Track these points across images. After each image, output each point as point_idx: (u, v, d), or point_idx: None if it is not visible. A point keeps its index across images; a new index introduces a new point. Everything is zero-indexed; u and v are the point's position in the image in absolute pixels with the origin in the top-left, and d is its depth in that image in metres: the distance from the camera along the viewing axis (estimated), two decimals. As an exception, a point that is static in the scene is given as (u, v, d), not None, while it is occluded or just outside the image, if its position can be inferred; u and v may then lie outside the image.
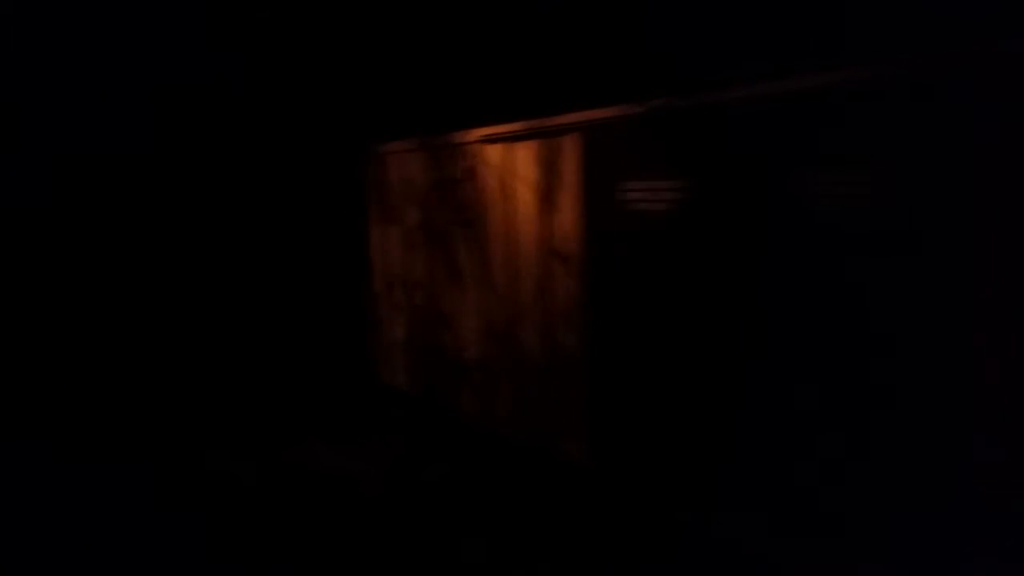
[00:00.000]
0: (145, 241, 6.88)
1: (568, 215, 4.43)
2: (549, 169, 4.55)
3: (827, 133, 3.06)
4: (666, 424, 3.91)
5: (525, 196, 4.76)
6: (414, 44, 6.99)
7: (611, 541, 4.11)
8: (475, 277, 5.33)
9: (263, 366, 7.22)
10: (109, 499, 4.86)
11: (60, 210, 6.58)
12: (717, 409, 3.62)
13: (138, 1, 6.56)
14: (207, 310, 7.14)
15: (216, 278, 7.17)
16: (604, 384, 4.31)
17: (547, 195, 4.58)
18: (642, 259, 3.98)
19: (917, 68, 2.72)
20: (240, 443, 5.91)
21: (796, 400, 3.23)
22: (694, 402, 3.74)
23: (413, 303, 6.20)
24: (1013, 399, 2.50)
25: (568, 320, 4.51)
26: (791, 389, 3.25)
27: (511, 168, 4.87)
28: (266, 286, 7.36)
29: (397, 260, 6.41)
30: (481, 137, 5.12)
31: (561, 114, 4.41)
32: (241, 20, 6.84)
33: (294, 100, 7.30)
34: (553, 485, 4.68)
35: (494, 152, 5.02)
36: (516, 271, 4.91)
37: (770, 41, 4.18)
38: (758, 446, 3.41)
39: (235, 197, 7.23)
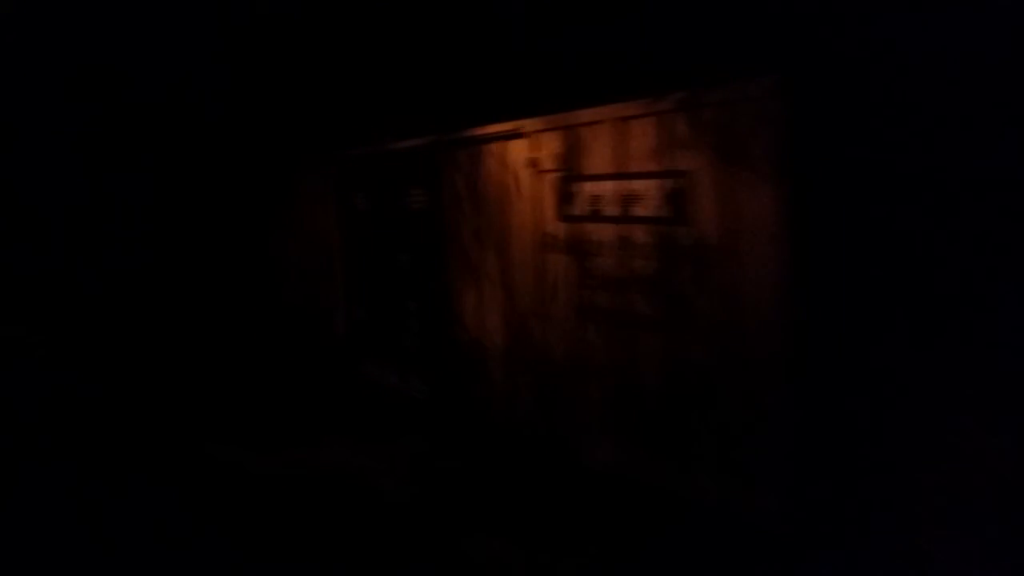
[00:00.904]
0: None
1: (332, 213, 7.54)
2: (325, 186, 7.66)
3: (414, 170, 6.16)
4: (375, 330, 7.02)
5: (320, 202, 7.87)
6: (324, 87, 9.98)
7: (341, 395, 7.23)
8: (304, 253, 8.44)
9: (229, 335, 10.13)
10: (138, 509, 4.92)
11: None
12: (400, 321, 6.71)
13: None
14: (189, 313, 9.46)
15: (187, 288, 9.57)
16: (351, 320, 7.42)
17: (322, 201, 7.70)
18: (360, 237, 7.09)
19: (434, 142, 5.80)
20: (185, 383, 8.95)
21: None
22: (388, 322, 6.84)
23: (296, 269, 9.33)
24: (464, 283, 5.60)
25: (336, 280, 7.62)
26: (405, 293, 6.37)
27: (315, 185, 7.99)
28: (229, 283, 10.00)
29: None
30: (303, 163, 8.24)
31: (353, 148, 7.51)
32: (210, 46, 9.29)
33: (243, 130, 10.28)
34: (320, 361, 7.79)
35: (308, 173, 8.14)
36: (318, 249, 8.02)
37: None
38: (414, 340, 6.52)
39: (214, 211, 9.87)
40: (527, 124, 4.81)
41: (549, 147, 4.65)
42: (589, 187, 4.36)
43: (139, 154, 9.01)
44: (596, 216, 4.33)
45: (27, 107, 7.76)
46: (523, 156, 4.87)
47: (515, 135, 4.91)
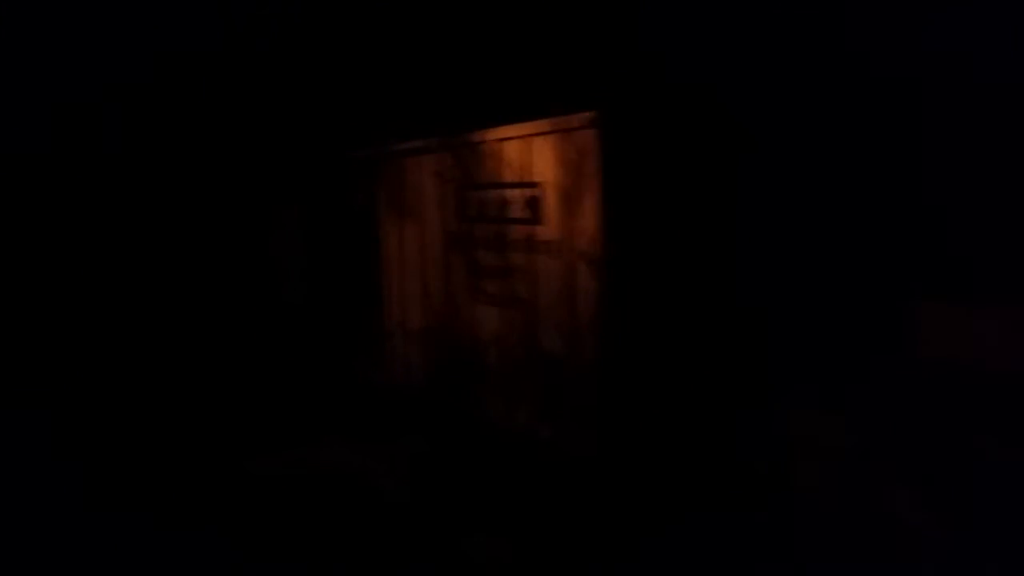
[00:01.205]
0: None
1: (319, 213, 8.54)
2: (310, 187, 8.67)
3: (357, 178, 7.15)
4: (352, 325, 8.03)
5: (308, 202, 8.86)
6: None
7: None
8: (301, 252, 9.45)
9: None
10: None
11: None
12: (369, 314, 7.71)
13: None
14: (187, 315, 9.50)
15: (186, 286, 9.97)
16: (338, 317, 8.41)
17: (309, 202, 8.72)
18: (335, 236, 8.09)
19: (372, 153, 6.78)
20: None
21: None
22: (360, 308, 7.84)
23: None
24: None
25: (323, 278, 8.62)
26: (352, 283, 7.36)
27: (305, 186, 8.99)
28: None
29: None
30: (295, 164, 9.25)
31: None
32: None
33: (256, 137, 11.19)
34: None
35: (299, 174, 9.14)
36: (312, 248, 9.00)
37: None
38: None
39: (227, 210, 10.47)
40: (434, 142, 5.77)
41: (450, 161, 5.61)
42: (478, 194, 5.31)
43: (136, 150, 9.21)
44: (483, 217, 5.29)
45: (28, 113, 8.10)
46: (433, 168, 5.83)
47: (427, 150, 5.88)
